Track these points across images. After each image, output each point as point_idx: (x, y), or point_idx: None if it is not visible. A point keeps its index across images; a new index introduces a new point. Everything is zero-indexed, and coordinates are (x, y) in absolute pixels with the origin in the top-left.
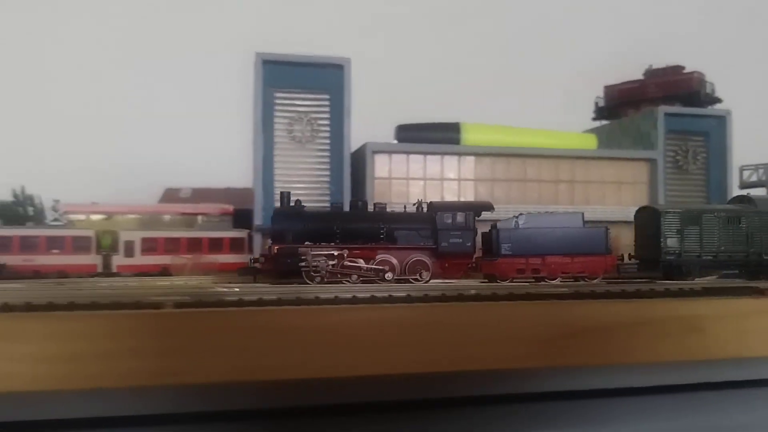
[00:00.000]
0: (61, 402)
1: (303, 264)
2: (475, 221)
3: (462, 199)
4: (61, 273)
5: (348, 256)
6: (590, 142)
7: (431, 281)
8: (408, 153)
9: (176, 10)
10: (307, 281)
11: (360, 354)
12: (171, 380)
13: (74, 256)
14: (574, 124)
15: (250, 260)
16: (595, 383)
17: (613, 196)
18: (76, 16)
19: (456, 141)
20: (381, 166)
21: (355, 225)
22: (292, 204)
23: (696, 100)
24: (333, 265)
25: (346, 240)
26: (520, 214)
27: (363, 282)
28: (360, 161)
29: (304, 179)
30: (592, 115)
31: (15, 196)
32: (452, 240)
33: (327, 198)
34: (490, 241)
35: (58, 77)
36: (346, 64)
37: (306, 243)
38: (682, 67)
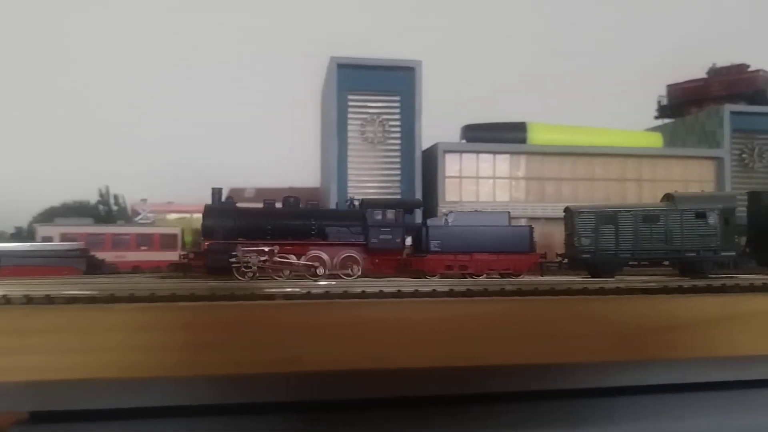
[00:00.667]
0: (191, 388)
1: (233, 260)
2: (404, 218)
3: (521, 196)
4: (156, 269)
5: (279, 253)
6: (656, 141)
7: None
8: (478, 152)
9: (236, 16)
10: (238, 277)
11: (460, 345)
12: (289, 368)
13: (162, 253)
14: (635, 123)
15: (180, 255)
16: (677, 377)
17: None
18: (141, 23)
19: (522, 140)
20: (451, 165)
21: (286, 222)
22: (224, 201)
23: (761, 99)
24: (264, 261)
25: (277, 237)
26: (450, 212)
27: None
28: (430, 161)
29: (376, 179)
30: (655, 113)
31: (101, 195)
32: (382, 236)
33: (398, 197)
34: (420, 237)
35: (129, 83)
36: (417, 66)
37: (238, 239)
38: (747, 66)
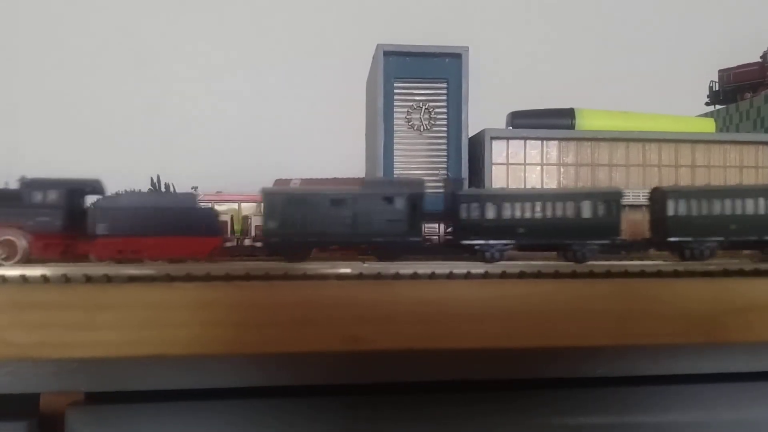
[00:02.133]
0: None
1: None
2: (72, 200)
3: (570, 183)
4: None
5: None
6: (709, 126)
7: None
8: (525, 138)
9: (274, 10)
10: None
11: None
12: (351, 347)
13: None
14: (685, 110)
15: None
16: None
17: (735, 180)
18: (188, 19)
19: (570, 127)
20: (498, 152)
21: None
22: None
23: None
24: None
25: None
26: (124, 191)
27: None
28: (476, 147)
29: (422, 166)
30: (706, 99)
31: (153, 184)
32: (40, 218)
33: (442, 184)
34: (88, 219)
35: (177, 78)
36: (464, 52)
37: None
38: None
